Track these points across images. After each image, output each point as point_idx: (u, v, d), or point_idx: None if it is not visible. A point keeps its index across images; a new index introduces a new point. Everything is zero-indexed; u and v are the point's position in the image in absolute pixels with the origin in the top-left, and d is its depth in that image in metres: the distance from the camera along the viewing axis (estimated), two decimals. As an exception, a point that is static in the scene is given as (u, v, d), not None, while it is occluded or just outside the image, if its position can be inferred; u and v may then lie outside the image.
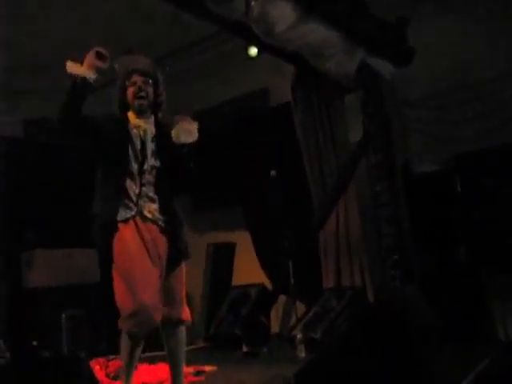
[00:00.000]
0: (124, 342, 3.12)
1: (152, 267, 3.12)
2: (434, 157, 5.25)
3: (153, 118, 3.40)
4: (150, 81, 3.35)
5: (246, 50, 6.00)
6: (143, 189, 3.22)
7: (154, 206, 3.24)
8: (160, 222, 3.23)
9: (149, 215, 3.21)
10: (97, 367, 4.48)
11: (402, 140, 5.45)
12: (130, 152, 3.23)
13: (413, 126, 5.48)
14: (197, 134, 3.28)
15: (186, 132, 3.25)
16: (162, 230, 3.24)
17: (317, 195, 5.68)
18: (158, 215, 3.24)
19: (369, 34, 5.00)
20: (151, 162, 3.27)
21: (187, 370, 4.41)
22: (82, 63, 3.10)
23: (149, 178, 3.25)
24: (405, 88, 5.43)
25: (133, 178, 3.21)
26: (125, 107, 3.36)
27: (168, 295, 3.22)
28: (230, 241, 6.44)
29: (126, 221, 3.16)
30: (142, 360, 4.70)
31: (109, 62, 3.21)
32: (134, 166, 3.22)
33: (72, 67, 3.07)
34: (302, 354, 4.57)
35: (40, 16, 5.45)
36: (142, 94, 3.31)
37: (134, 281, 3.04)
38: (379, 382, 2.85)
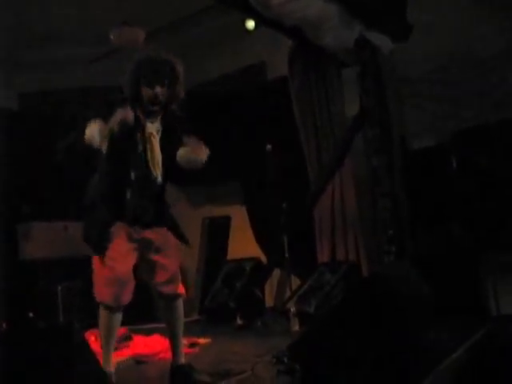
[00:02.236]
0: (101, 315, 3.20)
1: (129, 248, 3.18)
2: (432, 133, 5.24)
3: (161, 115, 3.28)
4: (167, 81, 3.18)
5: (243, 23, 5.95)
6: (142, 199, 3.22)
7: (150, 214, 3.25)
8: (151, 226, 3.26)
9: (142, 222, 3.23)
10: (92, 338, 4.51)
11: (399, 115, 5.43)
12: (133, 160, 3.18)
13: (411, 101, 5.46)
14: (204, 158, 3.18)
15: (197, 161, 3.19)
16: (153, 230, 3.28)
17: (313, 169, 5.68)
18: (150, 221, 3.26)
19: (368, 8, 4.95)
20: (153, 171, 3.23)
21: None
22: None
23: (148, 186, 3.24)
24: (404, 64, 5.41)
25: (132, 187, 3.18)
26: (135, 100, 3.18)
27: (161, 271, 3.28)
28: (226, 215, 6.46)
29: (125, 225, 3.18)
30: (138, 332, 4.77)
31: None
32: (135, 174, 3.18)
33: (91, 132, 2.96)
34: (296, 328, 4.61)
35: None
36: (159, 100, 3.17)
37: (111, 259, 3.12)
38: (372, 355, 2.89)
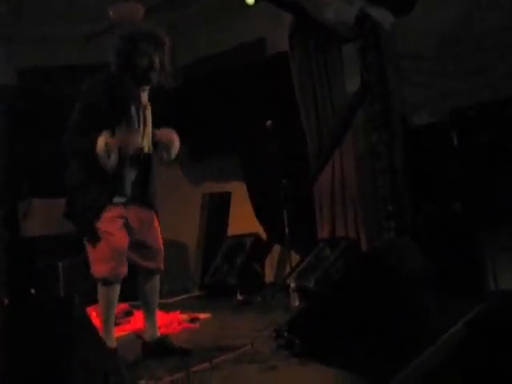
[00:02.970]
0: (100, 291, 3.24)
1: (122, 224, 3.23)
2: (432, 109, 5.22)
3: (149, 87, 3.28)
4: (160, 50, 3.18)
5: (244, -3, 5.89)
6: (138, 175, 3.27)
7: (144, 190, 3.32)
8: (145, 204, 3.35)
9: (137, 199, 3.30)
10: (93, 314, 4.55)
11: (400, 92, 5.40)
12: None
13: (411, 77, 5.42)
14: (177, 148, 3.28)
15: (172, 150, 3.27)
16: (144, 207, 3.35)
17: (313, 145, 5.67)
18: (143, 197, 3.33)
19: (368, -18, 4.91)
20: (146, 146, 3.26)
21: (183, 317, 4.50)
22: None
23: (141, 161, 3.26)
24: (404, 39, 5.36)
25: (128, 163, 3.20)
26: (123, 71, 3.17)
27: (144, 247, 3.36)
28: (226, 190, 6.46)
29: (115, 204, 3.22)
30: (139, 307, 4.81)
31: None
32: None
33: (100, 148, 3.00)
34: (296, 303, 4.63)
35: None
36: (156, 66, 3.16)
37: (106, 233, 3.15)
38: (371, 330, 2.91)
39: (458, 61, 5.08)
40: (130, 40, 3.13)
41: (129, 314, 4.64)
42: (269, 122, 5.14)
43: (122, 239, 3.21)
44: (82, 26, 6.35)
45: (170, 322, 4.17)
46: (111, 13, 5.71)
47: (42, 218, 5.84)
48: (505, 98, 4.65)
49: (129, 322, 4.49)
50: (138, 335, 3.93)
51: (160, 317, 4.39)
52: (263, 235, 6.04)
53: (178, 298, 5.59)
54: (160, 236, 3.46)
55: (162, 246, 3.45)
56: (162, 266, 3.45)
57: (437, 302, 3.44)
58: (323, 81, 5.62)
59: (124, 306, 4.71)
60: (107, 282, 3.20)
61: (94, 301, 4.96)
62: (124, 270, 3.22)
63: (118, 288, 3.25)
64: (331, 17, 5.02)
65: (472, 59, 5.00)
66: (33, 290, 5.42)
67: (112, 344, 3.25)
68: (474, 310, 3.39)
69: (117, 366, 2.19)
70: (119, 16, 5.80)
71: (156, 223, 3.44)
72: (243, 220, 6.22)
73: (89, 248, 3.22)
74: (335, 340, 2.96)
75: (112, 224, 3.17)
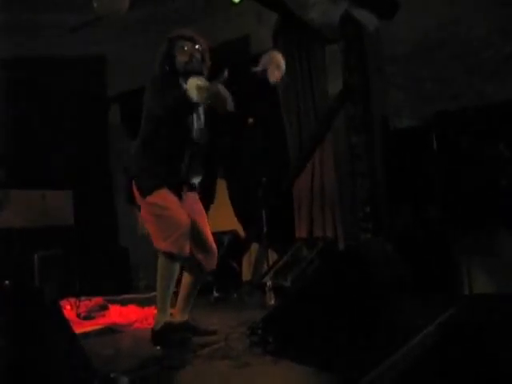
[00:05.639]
0: (163, 264, 3.24)
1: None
2: (414, 113, 5.25)
3: None
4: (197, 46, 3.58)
5: (230, -5, 5.88)
6: (192, 161, 3.36)
7: (197, 178, 3.42)
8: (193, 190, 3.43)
9: (192, 185, 3.40)
10: (68, 307, 4.53)
11: (382, 94, 5.43)
12: (194, 120, 3.43)
13: (394, 80, 5.45)
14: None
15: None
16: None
17: (293, 145, 5.68)
18: (195, 184, 3.43)
19: (353, -16, 4.93)
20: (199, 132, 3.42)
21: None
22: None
23: (199, 147, 3.41)
24: (388, 43, 5.39)
25: (190, 148, 3.34)
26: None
27: (201, 242, 3.40)
28: (206, 188, 6.45)
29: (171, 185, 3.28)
30: (114, 302, 4.81)
31: None
32: (194, 135, 3.38)
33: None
34: (272, 302, 4.63)
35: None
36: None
37: (173, 209, 3.20)
38: (345, 329, 2.93)
39: (442, 65, 5.12)
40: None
41: (104, 308, 4.62)
42: (250, 119, 5.14)
43: (187, 218, 3.22)
44: (66, 16, 6.28)
45: (145, 317, 4.15)
46: (95, 4, 5.65)
47: (19, 208, 5.78)
48: (487, 104, 4.70)
49: (103, 316, 4.46)
50: (112, 329, 3.91)
51: (135, 311, 4.39)
52: (241, 233, 6.04)
53: (155, 293, 5.55)
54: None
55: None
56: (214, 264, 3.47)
57: (411, 304, 3.47)
58: (306, 80, 5.63)
59: (99, 300, 4.69)
60: (171, 257, 3.20)
61: (69, 294, 4.94)
62: (187, 249, 3.22)
63: (178, 265, 3.27)
64: (316, 17, 5.03)
65: (456, 64, 5.05)
66: (7, 282, 5.37)
67: (167, 316, 3.36)
68: (447, 313, 3.42)
69: (86, 360, 2.17)
70: (103, 8, 5.75)
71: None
72: (222, 217, 6.20)
73: (153, 221, 3.24)
74: (308, 338, 2.97)
75: (176, 203, 3.24)
